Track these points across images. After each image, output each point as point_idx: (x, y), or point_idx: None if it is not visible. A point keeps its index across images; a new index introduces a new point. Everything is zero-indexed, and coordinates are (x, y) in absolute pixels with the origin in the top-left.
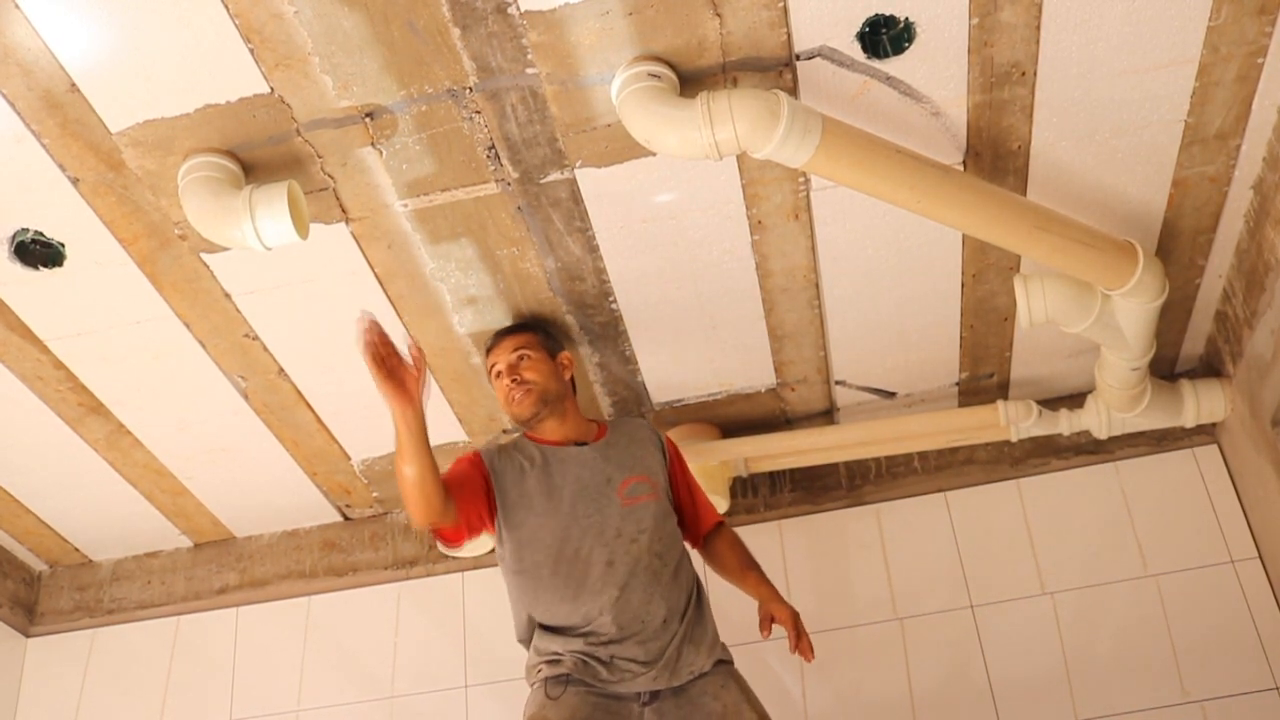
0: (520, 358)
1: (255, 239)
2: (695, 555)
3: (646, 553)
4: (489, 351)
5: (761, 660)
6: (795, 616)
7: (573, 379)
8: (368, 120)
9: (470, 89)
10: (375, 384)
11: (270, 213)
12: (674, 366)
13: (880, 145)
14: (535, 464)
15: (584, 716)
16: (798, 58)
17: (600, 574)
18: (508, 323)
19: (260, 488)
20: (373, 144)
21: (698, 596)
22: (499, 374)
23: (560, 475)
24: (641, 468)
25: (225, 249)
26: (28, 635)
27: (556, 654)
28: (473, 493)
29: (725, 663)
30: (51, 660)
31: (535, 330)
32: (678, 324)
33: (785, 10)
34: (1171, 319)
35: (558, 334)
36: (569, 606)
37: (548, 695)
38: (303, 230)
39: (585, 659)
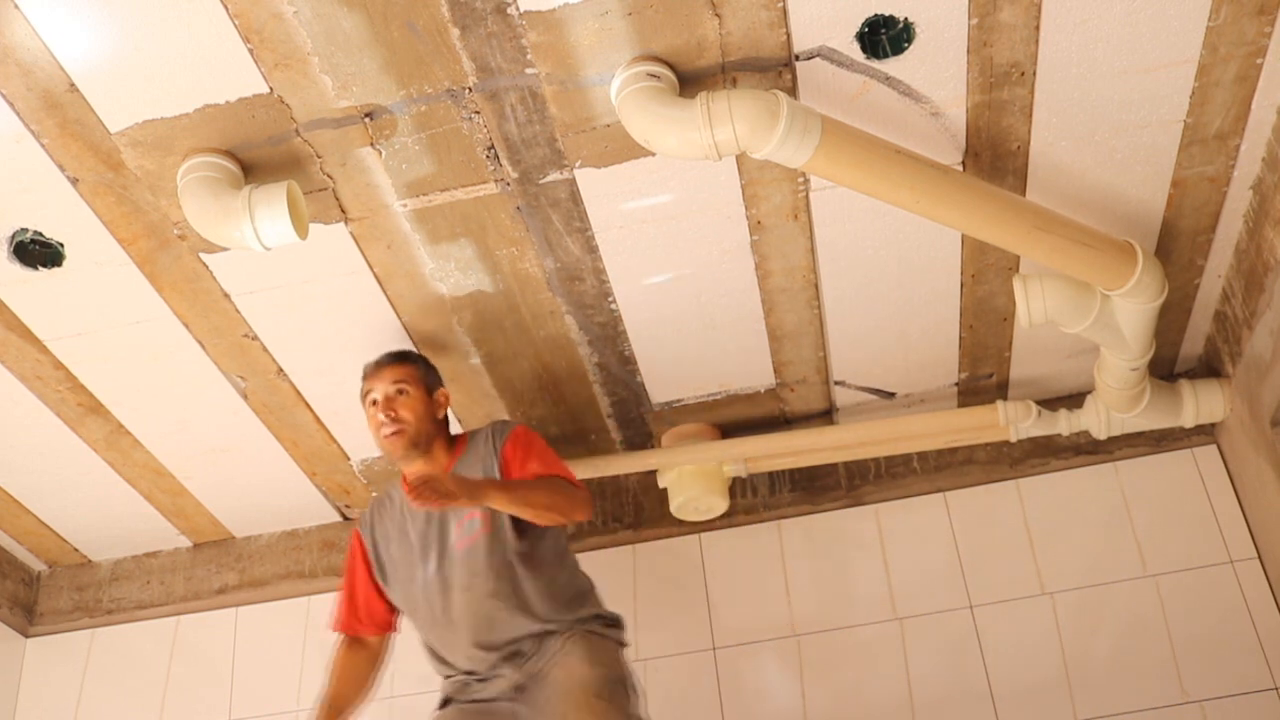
0: (399, 391)
1: (255, 239)
2: None
3: (482, 597)
4: (367, 376)
5: (762, 660)
6: (433, 477)
7: (445, 416)
8: (367, 120)
9: (470, 89)
10: None
11: (270, 213)
12: (673, 366)
13: (880, 145)
14: (396, 523)
15: None
16: (797, 58)
17: (446, 634)
18: None
19: (259, 488)
20: (372, 144)
21: (565, 591)
22: (374, 402)
23: (413, 533)
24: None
25: (225, 249)
26: (27, 635)
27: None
28: (366, 594)
29: (576, 630)
30: (51, 660)
31: (418, 363)
32: (677, 324)
33: (784, 10)
34: (1171, 319)
35: (436, 372)
36: (444, 659)
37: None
38: (302, 230)
39: (463, 682)
